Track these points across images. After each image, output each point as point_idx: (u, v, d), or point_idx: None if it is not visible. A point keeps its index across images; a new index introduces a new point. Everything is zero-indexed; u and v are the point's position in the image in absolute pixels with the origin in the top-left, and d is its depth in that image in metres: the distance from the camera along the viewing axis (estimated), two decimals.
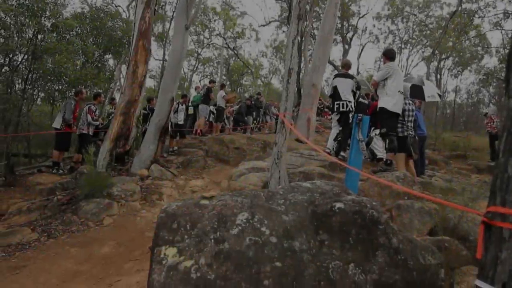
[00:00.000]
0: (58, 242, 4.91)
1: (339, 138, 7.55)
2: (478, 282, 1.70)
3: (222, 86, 14.80)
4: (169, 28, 28.12)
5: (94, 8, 16.08)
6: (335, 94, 7.41)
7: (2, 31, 11.75)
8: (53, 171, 8.75)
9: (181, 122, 11.13)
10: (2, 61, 12.08)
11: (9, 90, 12.12)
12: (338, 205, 2.55)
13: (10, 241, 4.88)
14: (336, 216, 2.50)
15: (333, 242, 2.42)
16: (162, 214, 2.45)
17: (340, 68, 8.88)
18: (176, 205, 2.52)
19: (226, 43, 34.50)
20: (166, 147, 9.98)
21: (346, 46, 34.19)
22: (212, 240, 2.25)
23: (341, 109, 7.31)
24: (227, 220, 2.36)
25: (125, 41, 14.75)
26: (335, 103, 7.41)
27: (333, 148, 7.65)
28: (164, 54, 28.72)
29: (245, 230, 2.30)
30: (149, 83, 36.29)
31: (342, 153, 7.30)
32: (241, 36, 37.38)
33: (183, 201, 2.63)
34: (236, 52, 35.97)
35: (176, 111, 10.65)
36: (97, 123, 9.39)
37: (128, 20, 17.43)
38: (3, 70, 12.09)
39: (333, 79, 7.65)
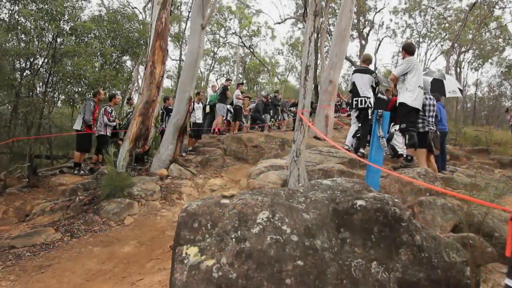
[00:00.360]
0: (81, 242, 4.98)
1: (358, 135, 7.46)
2: (508, 281, 1.65)
3: (239, 85, 14.81)
4: (185, 28, 28.35)
5: (111, 11, 16.26)
6: (354, 90, 7.32)
7: (23, 35, 11.99)
8: (75, 172, 8.90)
9: (200, 121, 11.16)
10: (23, 65, 12.34)
11: (31, 93, 12.38)
12: (359, 202, 2.52)
13: (35, 241, 4.97)
14: (357, 214, 2.48)
15: (355, 240, 2.40)
16: (183, 214, 2.46)
17: (359, 63, 8.70)
18: (197, 205, 2.53)
19: (242, 42, 34.52)
20: (184, 147, 10.03)
21: (363, 42, 33.89)
22: (233, 239, 2.25)
23: (359, 106, 7.21)
24: (248, 219, 2.36)
25: (142, 42, 14.87)
26: (354, 99, 7.32)
27: (352, 145, 7.57)
28: (180, 54, 28.98)
29: (266, 229, 2.30)
30: (167, 83, 36.64)
31: (361, 150, 7.20)
32: (257, 34, 37.38)
33: (204, 200, 2.63)
34: (252, 50, 35.96)
35: (192, 110, 10.69)
36: (114, 124, 9.48)
37: (144, 22, 17.55)
38: (24, 73, 12.34)
39: (352, 74, 7.54)
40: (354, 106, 7.35)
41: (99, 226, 5.43)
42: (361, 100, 7.16)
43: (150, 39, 8.54)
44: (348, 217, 2.48)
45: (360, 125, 7.38)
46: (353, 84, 7.29)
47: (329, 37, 25.90)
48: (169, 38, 11.66)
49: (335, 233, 2.43)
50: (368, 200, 2.55)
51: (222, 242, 2.24)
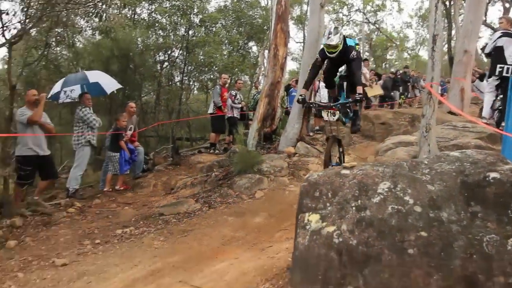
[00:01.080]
0: (217, 212, 5.57)
1: (500, 107, 6.72)
2: None
3: (365, 61, 14.33)
4: (307, 10, 28.19)
5: (235, 0, 17.04)
6: (497, 56, 6.55)
7: (160, 31, 13.40)
8: (211, 151, 9.79)
9: (325, 101, 11.10)
10: (162, 57, 13.80)
11: (170, 82, 13.82)
12: (492, 175, 2.34)
13: (179, 210, 5.73)
14: (490, 187, 2.30)
15: (488, 215, 2.24)
16: (305, 183, 2.59)
17: (503, 25, 7.54)
18: (318, 175, 2.63)
19: (366, 18, 33.04)
20: (311, 126, 10.15)
21: (507, 5, 29.65)
22: (354, 208, 2.30)
23: (504, 74, 6.44)
24: (368, 189, 2.38)
25: (265, 27, 15.32)
26: (498, 66, 6.55)
27: (493, 117, 6.85)
28: (304, 36, 28.92)
29: (387, 199, 2.29)
30: (292, 65, 37.03)
31: (503, 124, 6.48)
32: (382, 8, 35.32)
33: (324, 171, 2.72)
34: (377, 26, 34.24)
35: (318, 89, 10.67)
36: (239, 106, 10.15)
37: (266, 7, 17.98)
38: (164, 65, 13.79)
39: (498, 37, 6.72)
40: (497, 73, 6.59)
41: (233, 199, 5.99)
42: (508, 68, 6.39)
43: (271, 22, 8.80)
44: (479, 190, 2.32)
45: (501, 96, 6.63)
46: (499, 48, 6.51)
47: (464, 4, 23.33)
48: (291, 21, 11.84)
49: (464, 206, 2.30)
50: (503, 172, 2.34)
51: (342, 210, 2.32)
